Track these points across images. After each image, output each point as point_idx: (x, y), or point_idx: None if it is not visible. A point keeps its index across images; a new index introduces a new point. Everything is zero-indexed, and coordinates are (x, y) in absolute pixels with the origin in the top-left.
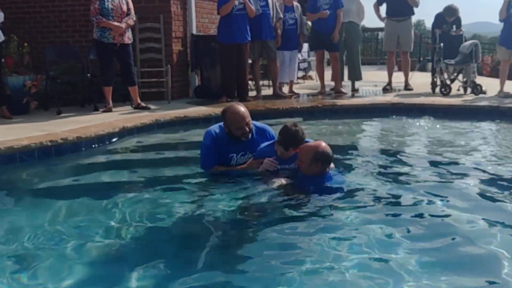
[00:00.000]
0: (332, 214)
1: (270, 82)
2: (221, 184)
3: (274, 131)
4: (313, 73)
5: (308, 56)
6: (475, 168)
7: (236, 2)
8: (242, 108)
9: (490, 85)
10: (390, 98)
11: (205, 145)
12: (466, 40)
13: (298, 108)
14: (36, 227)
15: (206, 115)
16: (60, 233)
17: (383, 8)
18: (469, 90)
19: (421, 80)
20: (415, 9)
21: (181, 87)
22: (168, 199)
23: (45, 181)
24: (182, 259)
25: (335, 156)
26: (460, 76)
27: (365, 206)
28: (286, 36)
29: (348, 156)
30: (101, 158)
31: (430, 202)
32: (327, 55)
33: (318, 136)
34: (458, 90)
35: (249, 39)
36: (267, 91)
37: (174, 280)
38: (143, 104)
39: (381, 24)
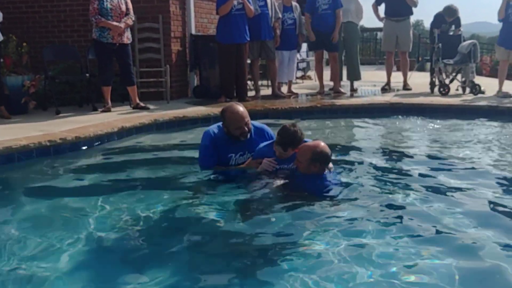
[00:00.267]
0: (330, 214)
1: (269, 82)
2: (220, 184)
3: (273, 131)
4: (312, 73)
5: (307, 56)
6: (474, 168)
7: (235, 2)
8: (241, 108)
9: (489, 85)
10: (389, 98)
11: (204, 145)
12: (464, 40)
13: (297, 108)
14: (34, 227)
15: (205, 115)
16: (59, 233)
17: (381, 8)
18: (467, 90)
19: (420, 80)
20: (413, 9)
21: (180, 87)
22: (166, 199)
23: (44, 181)
24: (181, 259)
25: (334, 156)
26: (459, 76)
27: (363, 206)
28: (285, 36)
29: (347, 156)
30: (100, 158)
31: (428, 202)
32: (326, 55)
33: (317, 136)
34: (457, 90)
35: (248, 39)
36: (266, 91)
37: (173, 280)
38: (142, 104)
39: (380, 24)
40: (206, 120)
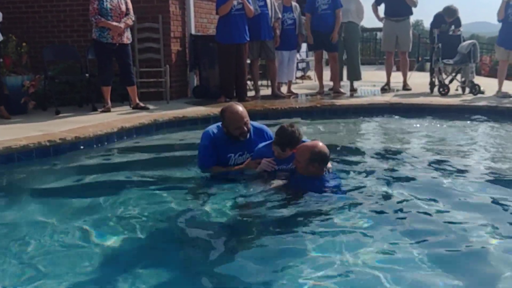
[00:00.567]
0: (329, 215)
1: (269, 82)
2: (219, 184)
3: (273, 131)
4: (311, 73)
5: (307, 56)
6: (474, 168)
7: (235, 2)
8: (240, 108)
9: (489, 85)
10: (388, 98)
11: (203, 145)
12: (464, 40)
13: (297, 108)
14: (34, 227)
15: (204, 115)
16: (59, 233)
17: (381, 8)
18: (467, 90)
19: (419, 80)
20: (413, 9)
21: (180, 87)
22: (166, 199)
23: (43, 181)
24: (180, 259)
25: (333, 156)
26: (459, 76)
27: (362, 206)
28: (284, 36)
29: (346, 156)
30: (100, 158)
31: (427, 202)
32: (325, 55)
33: (316, 136)
34: (457, 90)
35: (248, 39)
36: (266, 91)
37: (172, 280)
38: (141, 104)
39: (380, 24)
40: (206, 120)
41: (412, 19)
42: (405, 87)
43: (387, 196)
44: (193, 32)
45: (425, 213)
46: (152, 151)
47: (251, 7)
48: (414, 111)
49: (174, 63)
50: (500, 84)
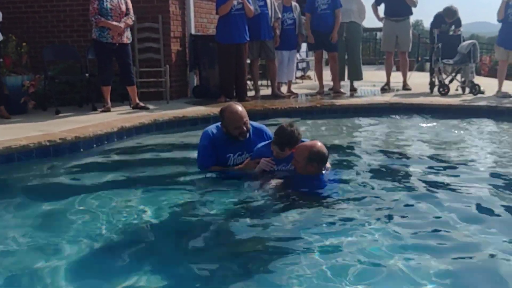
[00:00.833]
0: (328, 215)
1: (269, 82)
2: (218, 184)
3: (272, 131)
4: (311, 73)
5: (307, 56)
6: (473, 168)
7: (235, 2)
8: (239, 108)
9: (488, 85)
10: (388, 98)
11: (203, 145)
12: (464, 40)
13: (297, 108)
14: (34, 227)
15: (204, 115)
16: (59, 233)
17: (381, 8)
18: (467, 90)
19: (419, 80)
20: (413, 9)
21: (180, 87)
22: (165, 199)
23: (43, 181)
24: (179, 259)
25: (333, 156)
26: (459, 76)
27: (362, 206)
28: (284, 36)
29: (346, 156)
30: (100, 158)
31: (427, 202)
32: (325, 55)
33: (316, 136)
34: (457, 90)
35: (248, 39)
36: (266, 91)
37: (172, 279)
38: (141, 104)
39: (380, 24)
40: (205, 120)
41: (412, 19)
42: (405, 87)
43: (386, 196)
44: (193, 32)
45: (425, 213)
46: (152, 151)
47: (251, 7)
48: (414, 111)
49: (174, 63)
50: (500, 84)
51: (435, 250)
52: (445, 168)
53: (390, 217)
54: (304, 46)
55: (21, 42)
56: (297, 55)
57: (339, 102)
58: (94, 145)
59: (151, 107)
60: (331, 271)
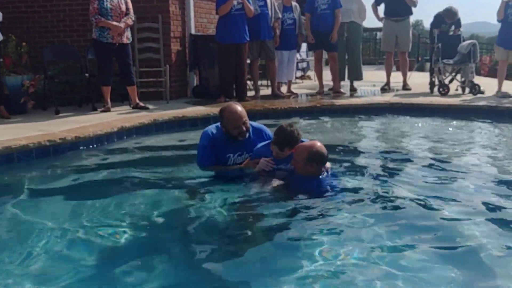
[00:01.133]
0: (327, 214)
1: (269, 82)
2: (218, 184)
3: (272, 131)
4: (311, 73)
5: (307, 56)
6: (473, 168)
7: (235, 2)
8: (239, 108)
9: (488, 85)
10: (388, 98)
11: (202, 145)
12: (464, 40)
13: (297, 108)
14: (34, 227)
15: (204, 115)
16: (58, 233)
17: (381, 8)
18: (467, 90)
19: (419, 80)
20: (413, 9)
21: (180, 87)
22: (165, 199)
23: (43, 181)
24: (179, 259)
25: (333, 156)
26: (458, 76)
27: (361, 207)
28: (284, 36)
29: (346, 156)
30: (100, 158)
31: (427, 202)
32: (325, 55)
33: (316, 136)
34: (456, 90)
35: (248, 39)
36: (266, 91)
37: (171, 280)
38: (141, 104)
39: (380, 24)
40: (205, 120)
41: (412, 19)
42: (405, 87)
43: (386, 196)
44: (193, 32)
45: (425, 212)
46: (152, 151)
47: (251, 7)
48: (414, 111)
49: (174, 63)
50: (500, 84)
51: (435, 250)
52: (445, 168)
53: (390, 217)
54: (304, 46)
55: (21, 42)
56: (297, 55)
57: (339, 102)
58: (94, 145)
59: (151, 107)
60: (331, 270)
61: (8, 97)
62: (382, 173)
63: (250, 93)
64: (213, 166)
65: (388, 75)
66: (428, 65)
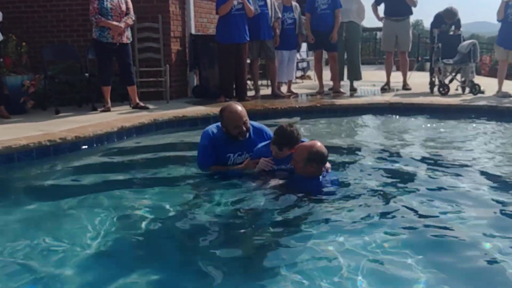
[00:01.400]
0: (327, 214)
1: (269, 82)
2: (218, 184)
3: (273, 131)
4: (311, 73)
5: (307, 56)
6: (474, 168)
7: (235, 2)
8: (239, 107)
9: (489, 84)
10: (388, 98)
11: (202, 145)
12: (464, 40)
13: (297, 107)
14: (33, 227)
15: (204, 115)
16: (59, 233)
17: (381, 8)
18: (467, 90)
19: (419, 80)
20: (413, 9)
21: (180, 87)
22: (165, 199)
23: (43, 181)
24: (179, 259)
25: (333, 155)
26: (459, 76)
27: (361, 206)
28: (284, 36)
29: (346, 156)
30: (100, 158)
31: (427, 202)
32: (325, 54)
33: (316, 136)
34: (457, 90)
35: (248, 39)
36: (266, 91)
37: (172, 279)
38: (141, 104)
39: (380, 24)
40: (205, 120)
41: (412, 19)
42: (405, 87)
43: (386, 196)
44: (193, 31)
45: (425, 212)
46: (152, 150)
47: (251, 7)
48: (414, 111)
49: (174, 62)
50: (500, 84)
51: (436, 250)
52: (445, 168)
53: (390, 217)
54: (304, 46)
55: (21, 42)
56: (297, 55)
57: (339, 102)
58: (94, 145)
59: (151, 107)
60: (331, 270)
61: (8, 97)
62: (382, 173)
63: (250, 93)
64: (213, 166)
65: (388, 75)
66: (428, 65)
